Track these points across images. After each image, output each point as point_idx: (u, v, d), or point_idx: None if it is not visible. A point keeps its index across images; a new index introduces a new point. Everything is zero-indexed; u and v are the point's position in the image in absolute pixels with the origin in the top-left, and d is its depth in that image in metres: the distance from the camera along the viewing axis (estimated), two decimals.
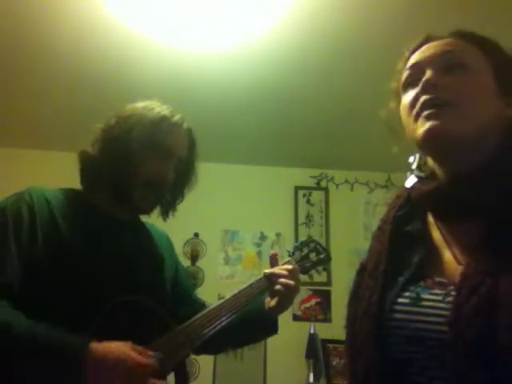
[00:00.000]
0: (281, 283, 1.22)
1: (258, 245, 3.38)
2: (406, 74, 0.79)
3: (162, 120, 1.18)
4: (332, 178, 3.56)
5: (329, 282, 3.29)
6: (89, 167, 1.20)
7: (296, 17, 2.08)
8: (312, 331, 3.02)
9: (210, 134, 3.06)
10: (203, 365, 2.88)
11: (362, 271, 0.84)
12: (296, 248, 1.46)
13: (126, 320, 1.03)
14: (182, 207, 1.31)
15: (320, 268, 1.48)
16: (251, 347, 3.04)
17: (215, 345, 1.26)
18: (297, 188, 3.54)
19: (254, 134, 3.11)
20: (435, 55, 0.77)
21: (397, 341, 0.72)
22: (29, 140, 3.23)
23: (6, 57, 2.39)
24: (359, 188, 3.53)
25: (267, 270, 1.28)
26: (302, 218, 3.48)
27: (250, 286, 1.24)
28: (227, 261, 3.34)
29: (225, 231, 3.40)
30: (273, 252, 1.35)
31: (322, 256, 1.47)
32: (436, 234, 0.78)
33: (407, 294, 0.73)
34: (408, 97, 0.77)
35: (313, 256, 1.45)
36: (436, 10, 2.00)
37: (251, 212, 3.42)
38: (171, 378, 1.11)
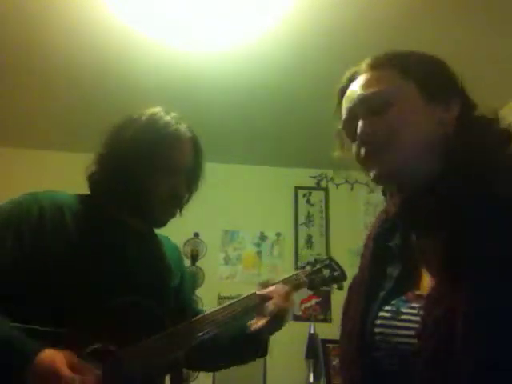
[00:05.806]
0: (273, 305, 1.20)
1: (258, 245, 3.38)
2: (342, 125, 0.85)
3: (167, 136, 1.17)
4: (332, 178, 3.56)
5: None
6: (102, 181, 1.18)
7: (296, 17, 2.08)
8: (312, 331, 3.01)
9: (210, 133, 3.05)
10: None
11: (351, 287, 0.87)
12: (309, 263, 1.41)
13: (123, 319, 1.03)
14: None
15: (333, 285, 1.42)
16: None
17: (207, 362, 1.28)
18: (297, 188, 3.54)
19: (254, 134, 3.11)
20: (361, 102, 0.80)
21: (379, 355, 0.72)
22: (29, 140, 3.23)
23: (6, 56, 2.39)
24: (359, 188, 3.52)
25: (259, 291, 1.25)
26: (301, 218, 3.48)
27: (242, 299, 1.23)
28: (227, 261, 3.34)
29: (225, 231, 3.39)
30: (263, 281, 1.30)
31: (336, 273, 1.41)
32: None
33: (388, 307, 0.74)
34: (354, 149, 0.84)
35: (326, 272, 1.40)
36: (437, 10, 2.00)
37: (251, 212, 3.42)
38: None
